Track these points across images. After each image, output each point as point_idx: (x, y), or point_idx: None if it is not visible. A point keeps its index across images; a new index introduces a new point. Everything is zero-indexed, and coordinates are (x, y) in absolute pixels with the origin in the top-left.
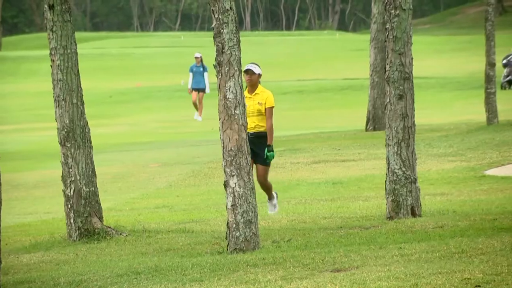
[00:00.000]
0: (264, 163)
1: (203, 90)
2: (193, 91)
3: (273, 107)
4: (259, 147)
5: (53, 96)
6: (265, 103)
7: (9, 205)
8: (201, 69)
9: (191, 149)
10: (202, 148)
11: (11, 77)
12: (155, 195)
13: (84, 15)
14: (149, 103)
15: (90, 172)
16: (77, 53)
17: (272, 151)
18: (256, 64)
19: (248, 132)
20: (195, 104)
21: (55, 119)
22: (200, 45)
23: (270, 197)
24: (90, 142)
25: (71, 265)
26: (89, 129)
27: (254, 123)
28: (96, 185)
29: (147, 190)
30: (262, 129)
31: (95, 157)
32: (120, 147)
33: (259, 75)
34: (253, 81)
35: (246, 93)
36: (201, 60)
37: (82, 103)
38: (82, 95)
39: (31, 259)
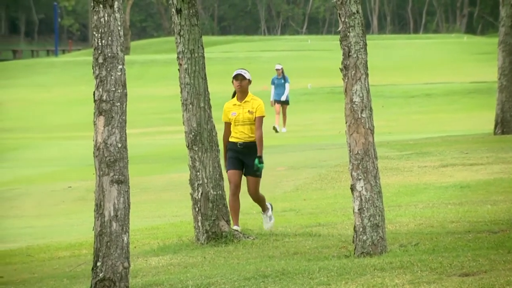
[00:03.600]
0: (255, 174)
1: (286, 102)
2: (276, 104)
3: (263, 116)
4: (249, 158)
5: (181, 100)
6: (255, 112)
7: (138, 208)
8: (283, 80)
9: (317, 152)
10: (329, 151)
11: (139, 81)
12: (282, 198)
13: (212, 19)
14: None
15: (218, 175)
16: (204, 57)
17: (262, 162)
18: (246, 70)
19: (236, 143)
20: (278, 115)
21: (183, 122)
22: (326, 48)
23: (264, 209)
24: (217, 146)
25: (199, 268)
26: (216, 133)
27: (242, 133)
28: (223, 189)
29: (274, 193)
30: (251, 139)
31: (222, 160)
32: None
33: (249, 81)
34: (243, 87)
35: (235, 100)
36: (282, 72)
37: (209, 107)
38: (209, 99)
39: (159, 262)
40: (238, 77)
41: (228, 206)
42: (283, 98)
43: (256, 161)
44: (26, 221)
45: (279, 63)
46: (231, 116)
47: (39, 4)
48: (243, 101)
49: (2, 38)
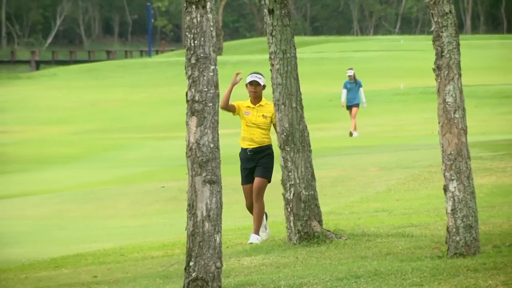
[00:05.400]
0: (263, 175)
1: (356, 105)
2: (352, 108)
3: None
4: (259, 160)
5: (273, 100)
6: (272, 117)
7: (230, 209)
8: (355, 84)
9: (410, 152)
10: (421, 152)
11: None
12: (375, 199)
13: (304, 19)
14: (368, 107)
15: (310, 175)
16: (296, 57)
17: None
18: (261, 75)
19: (246, 150)
20: (354, 119)
21: (275, 123)
22: (419, 48)
23: (256, 230)
24: (309, 146)
25: (291, 268)
26: (308, 133)
27: (252, 139)
28: (315, 189)
29: (367, 193)
30: (263, 144)
31: (314, 161)
32: (339, 150)
33: (264, 86)
34: (258, 93)
35: (249, 102)
36: (354, 77)
37: (301, 107)
38: (301, 99)
39: (251, 262)
40: (253, 83)
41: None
42: (364, 106)
43: None
44: (120, 221)
45: (350, 68)
46: (244, 114)
47: (133, 5)
48: (257, 105)
49: (96, 39)
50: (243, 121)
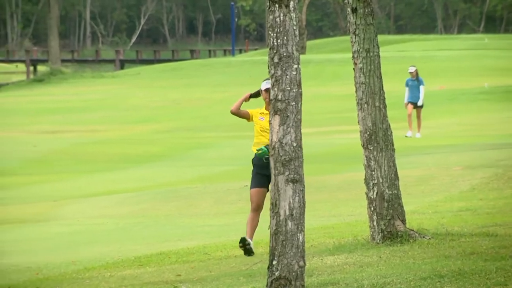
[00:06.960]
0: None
1: (420, 106)
2: (409, 104)
3: None
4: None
5: (356, 99)
6: None
7: (314, 207)
8: (417, 82)
9: (494, 152)
10: (506, 151)
11: (315, 80)
12: (458, 198)
13: (388, 18)
14: (453, 106)
15: (393, 174)
16: (379, 56)
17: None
18: None
19: (260, 156)
20: (410, 117)
21: (358, 122)
22: (504, 47)
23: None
24: (393, 145)
25: (375, 267)
26: (391, 132)
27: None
28: (398, 188)
29: (450, 193)
30: None
31: (397, 160)
32: (423, 149)
33: None
34: None
35: (262, 109)
36: (417, 74)
37: (385, 106)
38: (385, 98)
39: (335, 261)
40: (268, 90)
41: (247, 220)
42: (419, 103)
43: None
44: (203, 220)
45: (413, 65)
46: (259, 120)
47: (217, 4)
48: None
49: (180, 38)
50: (257, 126)
